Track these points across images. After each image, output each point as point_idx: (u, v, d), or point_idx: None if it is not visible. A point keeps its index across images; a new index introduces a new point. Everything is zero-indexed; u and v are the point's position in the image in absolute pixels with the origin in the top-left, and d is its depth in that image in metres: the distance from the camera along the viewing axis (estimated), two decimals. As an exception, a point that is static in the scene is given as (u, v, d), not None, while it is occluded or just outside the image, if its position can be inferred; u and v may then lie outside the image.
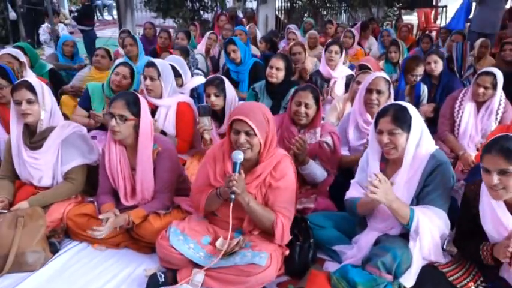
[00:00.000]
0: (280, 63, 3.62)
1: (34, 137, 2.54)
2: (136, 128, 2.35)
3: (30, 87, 2.49)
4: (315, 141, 2.77)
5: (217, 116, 3.07)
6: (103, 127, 3.46)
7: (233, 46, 4.47)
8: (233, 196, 1.98)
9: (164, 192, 2.44)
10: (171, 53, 4.59)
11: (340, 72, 4.41)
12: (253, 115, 2.02)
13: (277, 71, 3.62)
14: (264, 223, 2.09)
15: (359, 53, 6.12)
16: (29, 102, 2.48)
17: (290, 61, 3.73)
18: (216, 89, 3.09)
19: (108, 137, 2.42)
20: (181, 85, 3.78)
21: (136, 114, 2.33)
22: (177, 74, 3.62)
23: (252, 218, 2.11)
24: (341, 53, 4.39)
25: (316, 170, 2.73)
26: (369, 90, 2.87)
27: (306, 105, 2.71)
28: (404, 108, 2.06)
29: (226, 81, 3.19)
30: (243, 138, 2.02)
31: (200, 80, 3.95)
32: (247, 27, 7.07)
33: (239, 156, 2.00)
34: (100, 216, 2.24)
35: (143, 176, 2.39)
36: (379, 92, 2.84)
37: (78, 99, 3.85)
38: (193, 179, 2.40)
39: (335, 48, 4.35)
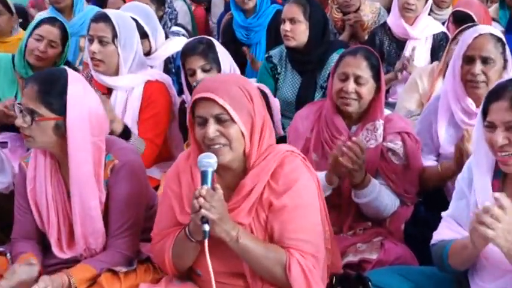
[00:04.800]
0: (295, 11, 3.67)
1: None
2: (61, 130, 2.36)
3: None
4: (375, 145, 2.79)
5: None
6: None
7: None
8: (206, 228, 2.00)
9: (123, 237, 2.47)
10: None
11: (424, 29, 4.42)
12: (225, 88, 2.07)
13: (293, 25, 3.66)
14: (270, 270, 2.11)
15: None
16: None
17: (319, 6, 3.80)
18: (204, 59, 3.14)
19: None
20: (148, 52, 3.81)
21: (59, 108, 2.34)
22: (143, 34, 3.67)
23: (251, 266, 2.14)
24: None
25: (383, 197, 2.74)
26: (468, 59, 2.87)
27: (357, 79, 2.72)
28: None
29: (216, 43, 3.24)
30: (212, 129, 2.06)
31: (181, 43, 3.94)
32: None
33: (209, 160, 2.04)
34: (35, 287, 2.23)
35: (83, 210, 2.42)
36: (485, 60, 2.84)
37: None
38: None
39: None
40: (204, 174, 2.03)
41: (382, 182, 2.79)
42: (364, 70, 2.72)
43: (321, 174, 2.67)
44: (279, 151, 2.17)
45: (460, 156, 2.68)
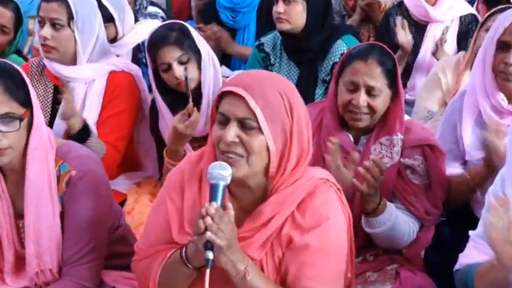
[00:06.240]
0: None
1: None
2: (30, 126, 2.38)
3: None
4: (390, 164, 2.76)
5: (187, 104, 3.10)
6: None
7: None
8: (210, 255, 1.96)
9: (82, 263, 2.45)
10: None
11: (449, 10, 4.44)
12: (261, 89, 2.05)
13: (287, 6, 3.69)
14: None
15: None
16: None
17: None
18: (179, 49, 3.16)
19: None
20: (114, 38, 3.85)
21: (26, 103, 2.36)
22: (108, 17, 3.69)
23: None
24: None
25: (400, 225, 2.71)
26: (503, 45, 2.85)
27: (370, 91, 2.70)
28: None
29: (190, 27, 3.27)
30: (232, 132, 2.03)
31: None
32: None
33: (222, 172, 2.02)
34: None
35: (39, 230, 2.41)
36: None
37: None
38: (141, 232, 2.40)
39: None
40: (214, 188, 2.01)
41: (399, 205, 2.77)
42: (377, 79, 2.69)
43: None
44: (312, 177, 2.14)
45: (489, 155, 2.68)
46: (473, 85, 2.96)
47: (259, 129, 2.02)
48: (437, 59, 4.17)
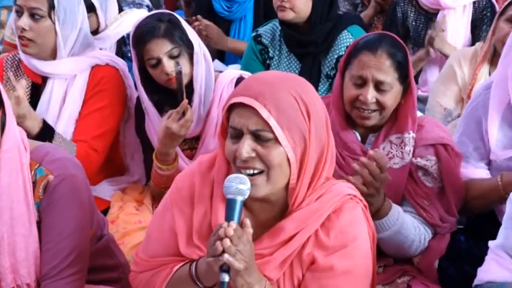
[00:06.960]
0: None
1: None
2: (1, 130, 2.36)
3: None
4: (400, 165, 2.75)
5: (179, 101, 3.08)
6: None
7: None
8: (225, 278, 1.95)
9: (63, 277, 2.41)
10: None
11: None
12: (272, 95, 2.02)
13: None
14: None
15: None
16: None
17: None
18: (170, 42, 3.13)
19: None
20: (96, 30, 3.86)
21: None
22: (88, 7, 3.64)
23: None
24: None
25: (407, 231, 2.69)
26: None
27: (378, 86, 2.68)
28: None
29: (179, 17, 3.25)
30: (247, 147, 2.01)
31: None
32: None
33: (240, 186, 2.00)
34: None
35: (14, 241, 2.38)
36: None
37: None
38: (128, 243, 2.48)
39: None
40: (231, 204, 1.99)
41: (410, 209, 2.75)
42: (387, 72, 2.67)
43: None
44: (339, 193, 2.13)
45: None
46: (502, 77, 2.89)
47: (276, 139, 1.99)
48: (442, 52, 4.18)
